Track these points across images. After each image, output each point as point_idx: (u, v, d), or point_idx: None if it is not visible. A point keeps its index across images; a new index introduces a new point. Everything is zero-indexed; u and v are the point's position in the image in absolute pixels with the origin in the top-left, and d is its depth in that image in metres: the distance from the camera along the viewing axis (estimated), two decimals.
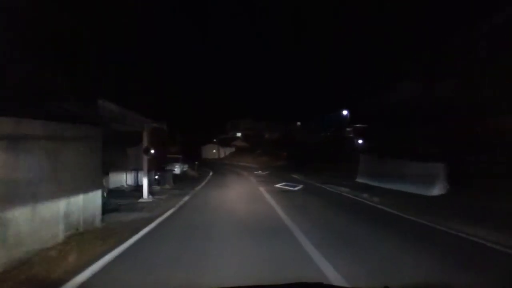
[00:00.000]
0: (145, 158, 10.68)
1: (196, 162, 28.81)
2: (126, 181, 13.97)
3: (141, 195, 10.70)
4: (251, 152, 54.86)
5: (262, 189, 14.53)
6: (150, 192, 11.09)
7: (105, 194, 9.32)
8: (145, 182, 10.62)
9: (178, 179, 19.28)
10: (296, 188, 15.03)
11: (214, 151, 61.44)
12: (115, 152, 12.35)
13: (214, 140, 63.40)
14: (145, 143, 10.61)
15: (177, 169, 24.50)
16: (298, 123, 65.12)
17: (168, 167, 22.64)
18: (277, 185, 16.28)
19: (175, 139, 39.47)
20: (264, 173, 27.70)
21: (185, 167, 27.53)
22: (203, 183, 17.58)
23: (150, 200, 10.52)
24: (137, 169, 14.40)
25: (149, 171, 15.67)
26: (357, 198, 11.64)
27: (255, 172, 28.33)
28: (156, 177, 15.80)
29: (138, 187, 13.31)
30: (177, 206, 9.77)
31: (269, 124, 67.60)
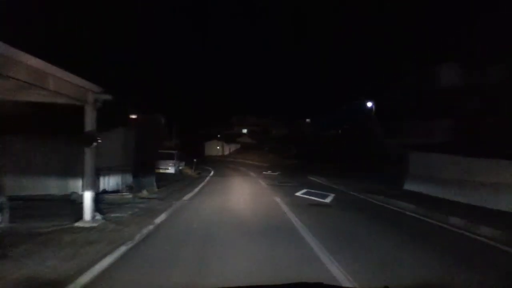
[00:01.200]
0: (88, 152, 6.26)
1: (195, 160, 24.52)
2: (82, 186, 9.58)
3: (96, 208, 6.36)
4: (257, 149, 51.00)
5: (279, 200, 10.06)
6: (98, 209, 6.67)
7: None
8: (87, 196, 6.18)
9: (170, 181, 15.05)
10: (327, 200, 10.50)
11: (218, 147, 57.37)
12: (50, 140, 7.97)
13: (218, 135, 58.97)
14: (88, 126, 6.17)
15: (171, 168, 20.28)
16: (308, 119, 60.79)
17: (159, 166, 18.63)
18: (298, 194, 11.80)
19: (171, 134, 35.40)
20: (274, 173, 23.28)
21: (182, 165, 23.38)
22: (197, 188, 13.11)
23: (95, 223, 6.11)
24: (107, 168, 10.21)
25: (122, 171, 11.57)
26: (451, 229, 6.71)
27: (264, 173, 23.95)
28: (143, 179, 11.83)
29: (101, 194, 9.08)
30: (136, 238, 5.37)
31: (275, 120, 63.59)
